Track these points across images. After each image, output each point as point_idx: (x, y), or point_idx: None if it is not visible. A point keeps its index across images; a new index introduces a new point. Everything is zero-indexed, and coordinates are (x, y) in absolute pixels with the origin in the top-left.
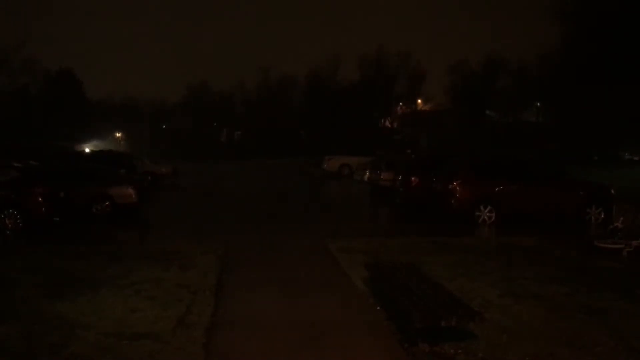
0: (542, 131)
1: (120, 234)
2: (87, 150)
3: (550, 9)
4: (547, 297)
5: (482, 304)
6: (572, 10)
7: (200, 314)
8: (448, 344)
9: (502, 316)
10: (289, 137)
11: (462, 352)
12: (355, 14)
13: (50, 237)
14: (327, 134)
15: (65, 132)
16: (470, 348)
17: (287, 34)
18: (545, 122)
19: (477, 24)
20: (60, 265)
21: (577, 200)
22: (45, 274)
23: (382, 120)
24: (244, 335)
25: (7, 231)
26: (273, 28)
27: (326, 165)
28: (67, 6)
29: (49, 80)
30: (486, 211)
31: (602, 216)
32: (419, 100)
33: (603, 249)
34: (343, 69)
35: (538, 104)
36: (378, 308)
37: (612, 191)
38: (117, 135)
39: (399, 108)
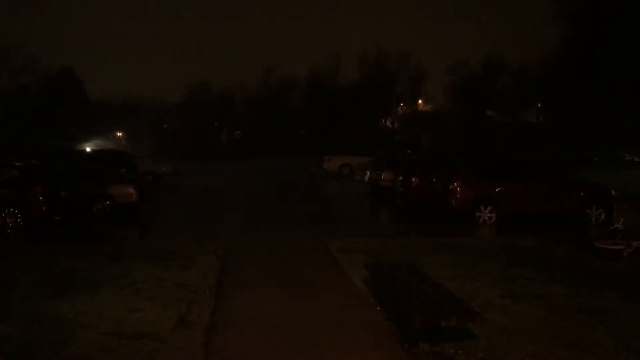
0: (543, 131)
1: (120, 234)
2: (87, 149)
3: (551, 9)
4: (548, 297)
5: (482, 304)
6: (573, 11)
7: (200, 314)
8: (448, 344)
9: (502, 316)
10: (289, 137)
11: (462, 352)
12: (355, 14)
13: (51, 237)
14: (328, 134)
15: (65, 131)
16: (470, 348)
17: (288, 34)
18: (545, 122)
19: (478, 24)
20: (60, 265)
21: (577, 200)
22: (45, 273)
23: (383, 121)
24: (243, 335)
25: (7, 230)
26: (273, 28)
27: (326, 165)
28: (68, 4)
29: (50, 79)
30: (486, 211)
31: (603, 217)
32: (420, 101)
33: (603, 250)
34: (343, 69)
35: (538, 104)
36: (378, 308)
37: (613, 192)
38: (118, 134)
39: (399, 108)
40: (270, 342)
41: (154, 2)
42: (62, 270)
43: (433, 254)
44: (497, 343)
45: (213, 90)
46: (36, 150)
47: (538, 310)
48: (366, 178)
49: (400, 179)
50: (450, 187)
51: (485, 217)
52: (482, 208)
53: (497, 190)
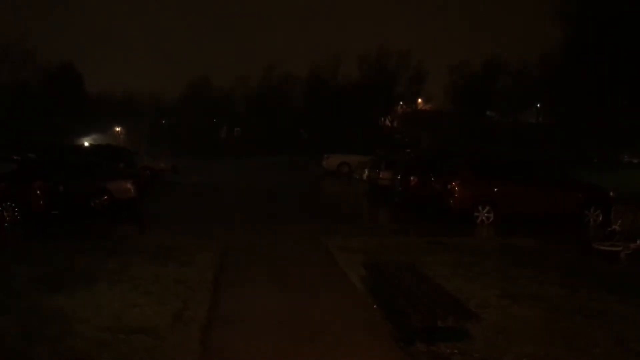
0: (542, 132)
1: (118, 229)
2: (86, 144)
3: (551, 10)
4: (545, 298)
5: (479, 304)
6: (573, 11)
7: (197, 310)
8: (445, 344)
9: (499, 317)
10: (289, 135)
11: (459, 353)
12: (356, 13)
13: (49, 231)
14: (327, 132)
15: (64, 126)
16: (467, 348)
17: (289, 32)
18: (545, 123)
19: (478, 24)
20: (58, 259)
21: (575, 201)
22: (42, 267)
23: (382, 119)
24: (240, 332)
25: (5, 224)
26: (274, 26)
27: (325, 163)
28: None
29: (50, 73)
30: (485, 212)
31: (601, 218)
32: (420, 100)
33: (601, 251)
34: (344, 68)
35: (538, 105)
36: (375, 307)
37: (611, 193)
38: (117, 129)
39: (399, 107)
40: (267, 340)
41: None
42: (59, 265)
43: (431, 253)
44: (494, 343)
45: (213, 87)
46: (35, 144)
47: (536, 311)
48: (365, 177)
49: (399, 178)
50: (449, 186)
51: (484, 217)
52: (480, 208)
53: (495, 190)
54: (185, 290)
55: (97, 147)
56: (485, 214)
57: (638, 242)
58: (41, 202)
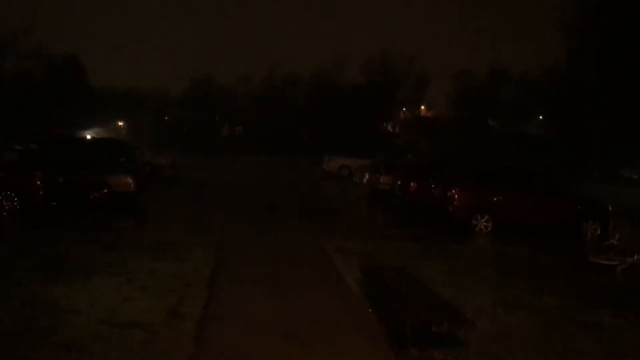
0: (543, 144)
1: (116, 223)
2: (87, 137)
3: (556, 22)
4: (539, 308)
5: (473, 311)
6: (577, 25)
7: (192, 306)
8: (437, 349)
9: (493, 325)
10: (290, 136)
11: (452, 359)
12: (362, 17)
13: (47, 222)
14: (328, 135)
15: (67, 118)
16: (460, 355)
17: (294, 33)
18: (546, 134)
19: (483, 34)
20: (55, 251)
21: (574, 214)
22: (40, 258)
23: (384, 124)
24: (234, 329)
25: (4, 214)
26: (280, 26)
27: (326, 165)
28: None
29: (54, 65)
30: (483, 220)
31: (598, 231)
32: (422, 106)
33: (597, 265)
34: (347, 71)
35: (540, 116)
36: (370, 310)
37: (610, 207)
38: (119, 124)
39: (401, 113)
40: (261, 338)
41: None
42: (56, 256)
43: (428, 259)
44: (486, 351)
45: (216, 85)
46: (36, 135)
47: (529, 321)
48: (365, 180)
49: (399, 183)
50: (448, 194)
51: (482, 226)
52: (479, 216)
53: (495, 199)
54: (181, 286)
55: (98, 141)
56: (484, 223)
57: (635, 257)
58: (41, 192)
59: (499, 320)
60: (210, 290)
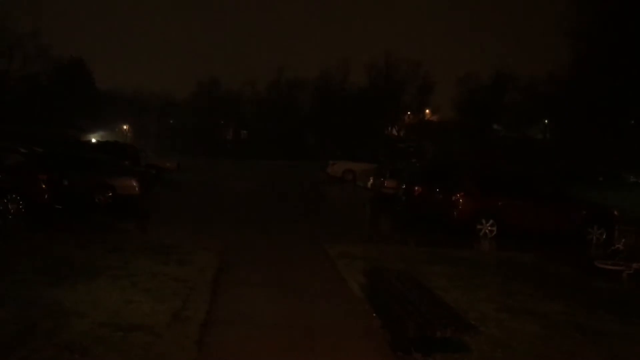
0: (549, 148)
1: (120, 225)
2: (93, 140)
3: (562, 28)
4: (544, 314)
5: (478, 317)
6: (584, 30)
7: (195, 310)
8: (441, 355)
9: (497, 330)
10: (295, 140)
11: None
12: (367, 21)
13: (52, 224)
14: (333, 139)
15: (73, 121)
16: None
17: (299, 37)
18: (551, 139)
19: (488, 38)
20: (59, 253)
21: (579, 219)
22: (44, 260)
23: (389, 128)
24: (237, 333)
25: (9, 216)
26: (285, 31)
27: (330, 169)
28: None
29: (60, 68)
30: (488, 225)
31: (604, 237)
32: (427, 111)
33: (603, 270)
34: (352, 76)
35: (545, 120)
36: (373, 315)
37: (615, 212)
38: (124, 127)
39: (406, 117)
40: (263, 342)
41: None
42: (60, 259)
43: (432, 264)
44: (490, 357)
45: (222, 88)
46: (42, 137)
47: (534, 327)
48: (369, 184)
49: (403, 187)
50: (453, 198)
51: (487, 231)
52: (483, 221)
53: (499, 204)
54: (184, 289)
55: (103, 144)
56: (489, 227)
57: None
58: (45, 195)
59: (503, 325)
60: (213, 293)
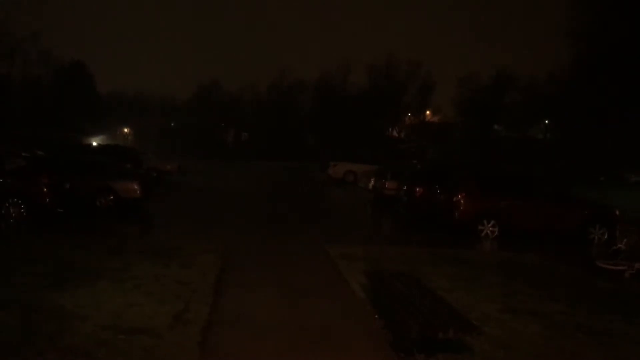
0: (549, 149)
1: (122, 228)
2: (94, 143)
3: (563, 28)
4: (546, 314)
5: (480, 317)
6: (584, 30)
7: (197, 312)
8: (444, 355)
9: (500, 331)
10: (296, 141)
11: None
12: (367, 22)
13: (54, 228)
14: (334, 140)
15: (74, 124)
16: None
17: (299, 39)
18: (552, 139)
19: (489, 39)
20: (61, 256)
21: (581, 219)
22: (46, 264)
23: (390, 129)
24: (239, 335)
25: (10, 220)
26: (286, 32)
27: (331, 171)
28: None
29: (61, 72)
30: (489, 225)
31: (606, 237)
32: (428, 111)
33: (605, 270)
34: (353, 77)
35: (546, 121)
36: (375, 316)
37: (617, 212)
38: (125, 130)
39: (407, 118)
40: (265, 344)
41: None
42: (62, 262)
43: (433, 265)
44: (492, 357)
45: (223, 91)
46: (43, 141)
47: (536, 327)
48: (370, 186)
49: (405, 188)
50: (454, 199)
51: (488, 231)
52: (485, 222)
53: (500, 204)
54: (187, 292)
55: (105, 147)
56: (490, 228)
57: None
58: (47, 199)
59: (505, 326)
60: (215, 296)
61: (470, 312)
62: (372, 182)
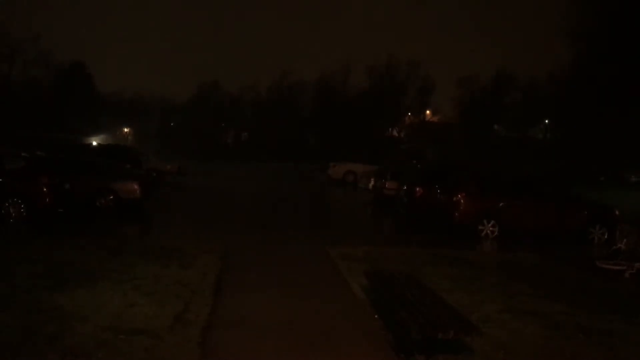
0: (549, 149)
1: (122, 229)
2: (94, 143)
3: (563, 27)
4: (546, 315)
5: (480, 318)
6: (584, 30)
7: (198, 313)
8: (444, 356)
9: (500, 332)
10: (296, 142)
11: None
12: (367, 23)
13: (53, 228)
14: (334, 141)
15: (74, 125)
16: None
17: (299, 40)
18: (552, 139)
19: (489, 39)
20: (61, 257)
21: (581, 219)
22: (45, 264)
23: (390, 130)
24: (240, 336)
25: (10, 220)
26: (285, 33)
27: (331, 171)
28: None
29: (61, 72)
30: (489, 225)
31: (606, 237)
32: (427, 112)
33: (605, 270)
34: (353, 77)
35: (546, 121)
36: (375, 316)
37: (617, 212)
38: (125, 130)
39: (407, 118)
40: (266, 345)
41: (169, 1)
42: (62, 263)
43: (433, 265)
44: (493, 358)
45: (223, 91)
46: (43, 141)
47: (536, 328)
48: (370, 186)
49: (405, 188)
50: (454, 199)
51: (488, 231)
52: (485, 222)
53: (500, 204)
54: (187, 292)
55: (104, 147)
56: (490, 228)
57: None
58: (47, 199)
59: (506, 326)
60: (215, 296)
61: (470, 313)
62: (372, 182)
